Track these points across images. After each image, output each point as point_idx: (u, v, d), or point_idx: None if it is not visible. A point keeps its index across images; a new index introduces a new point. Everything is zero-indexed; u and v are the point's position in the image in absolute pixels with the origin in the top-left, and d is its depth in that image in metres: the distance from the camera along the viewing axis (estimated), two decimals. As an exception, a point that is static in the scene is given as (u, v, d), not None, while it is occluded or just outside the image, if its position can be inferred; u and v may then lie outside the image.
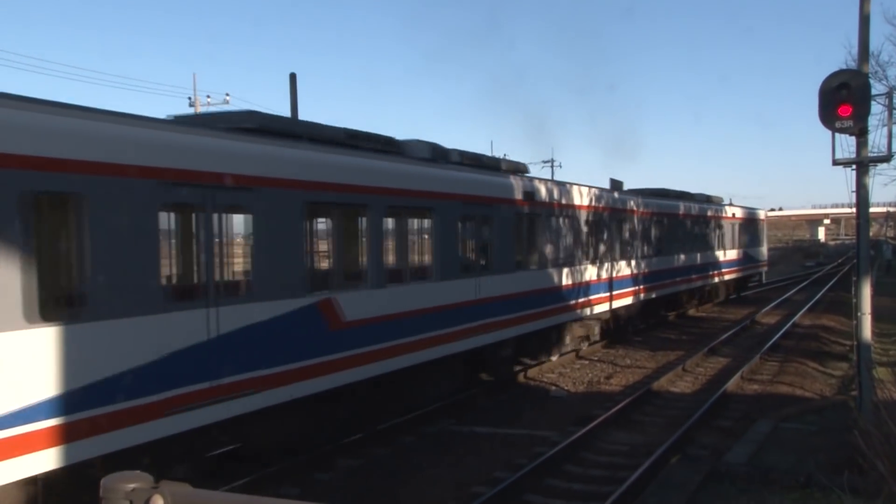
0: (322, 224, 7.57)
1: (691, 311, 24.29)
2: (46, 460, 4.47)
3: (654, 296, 18.90)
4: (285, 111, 9.92)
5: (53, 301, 4.86)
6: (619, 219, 15.52)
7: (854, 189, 9.42)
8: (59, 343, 4.52)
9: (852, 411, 9.39)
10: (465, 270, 9.46)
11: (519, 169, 11.74)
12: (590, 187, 14.04)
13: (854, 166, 9.21)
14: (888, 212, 75.13)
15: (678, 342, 18.50)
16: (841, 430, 8.88)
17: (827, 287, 32.05)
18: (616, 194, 15.59)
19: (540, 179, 12.40)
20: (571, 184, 13.42)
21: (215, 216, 5.75)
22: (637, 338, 18.92)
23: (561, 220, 12.43)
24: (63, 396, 4.55)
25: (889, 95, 9.61)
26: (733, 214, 27.01)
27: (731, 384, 12.68)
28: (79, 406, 4.66)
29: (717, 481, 7.62)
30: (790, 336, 18.86)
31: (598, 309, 15.30)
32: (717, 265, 24.80)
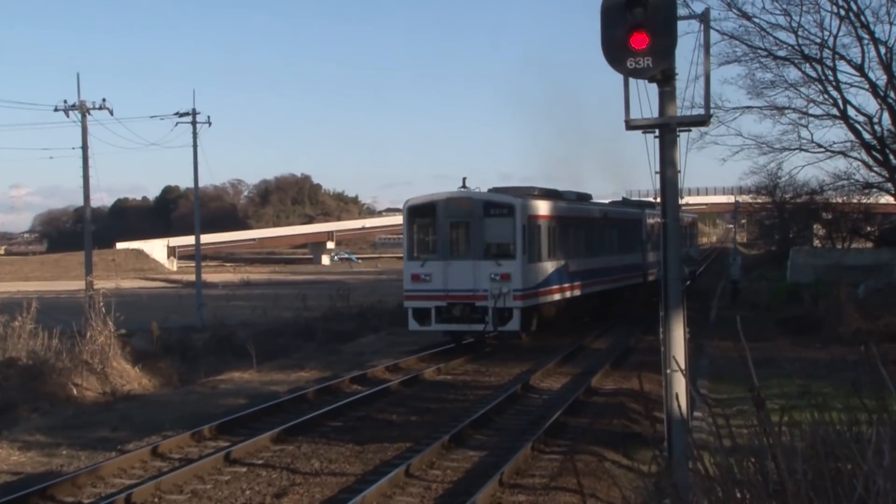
0: (555, 228, 34.78)
1: (429, 374, 26.37)
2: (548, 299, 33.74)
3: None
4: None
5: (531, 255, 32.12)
6: None
7: (658, 169, 10.83)
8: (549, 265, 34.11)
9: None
10: (598, 253, 40.02)
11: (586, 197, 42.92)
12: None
13: (656, 131, 10.68)
14: (736, 202, 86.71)
15: (404, 427, 19.78)
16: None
17: (642, 328, 36.40)
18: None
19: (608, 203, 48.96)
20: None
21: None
22: (334, 422, 19.72)
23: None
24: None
25: (705, 18, 11.05)
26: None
27: (484, 497, 13.89)
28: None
29: None
30: (582, 410, 21.24)
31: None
32: None
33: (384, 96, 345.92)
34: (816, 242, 74.74)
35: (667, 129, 10.72)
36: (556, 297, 34.01)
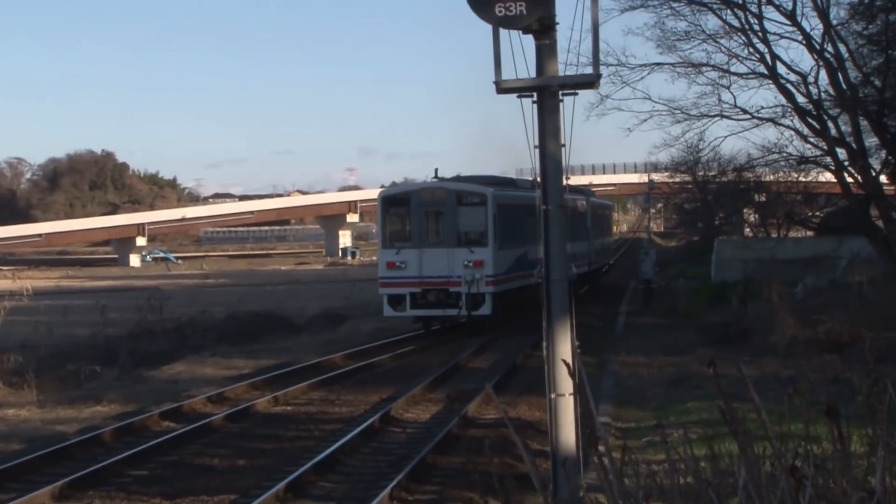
0: (517, 217, 43.98)
1: (263, 405, 26.31)
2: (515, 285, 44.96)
3: None
4: None
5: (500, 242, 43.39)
6: None
7: (537, 143, 10.84)
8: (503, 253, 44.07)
9: None
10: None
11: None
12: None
13: (534, 95, 10.69)
14: (650, 181, 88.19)
15: (228, 473, 19.66)
16: None
17: (532, 340, 36.69)
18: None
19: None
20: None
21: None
22: (137, 470, 19.43)
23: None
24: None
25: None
26: None
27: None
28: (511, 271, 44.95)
29: None
30: (456, 446, 21.32)
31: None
32: None
33: (206, 55, 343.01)
34: (747, 231, 75.86)
35: (547, 93, 10.73)
36: (520, 283, 42.63)
